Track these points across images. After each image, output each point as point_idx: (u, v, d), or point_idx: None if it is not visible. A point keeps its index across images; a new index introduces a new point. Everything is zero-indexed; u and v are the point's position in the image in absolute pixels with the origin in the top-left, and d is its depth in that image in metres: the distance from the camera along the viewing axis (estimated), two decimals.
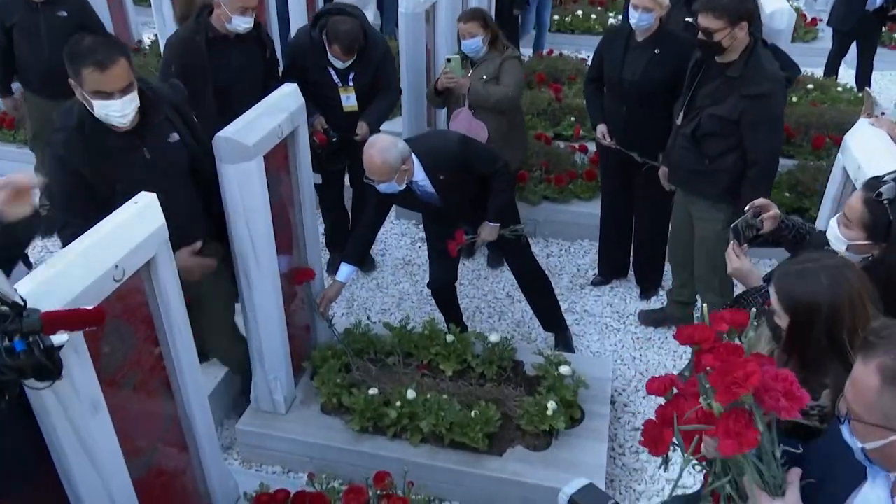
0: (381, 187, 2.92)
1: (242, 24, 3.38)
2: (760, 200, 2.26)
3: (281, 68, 3.81)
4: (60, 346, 1.55)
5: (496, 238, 3.25)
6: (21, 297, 1.50)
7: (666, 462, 1.53)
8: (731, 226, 2.24)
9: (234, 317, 3.06)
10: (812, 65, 6.07)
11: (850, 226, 1.95)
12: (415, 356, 3.30)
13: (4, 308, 1.46)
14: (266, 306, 2.82)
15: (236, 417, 3.22)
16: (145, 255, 2.00)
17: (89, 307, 1.67)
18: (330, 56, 3.58)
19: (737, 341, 1.42)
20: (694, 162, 3.08)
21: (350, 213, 4.25)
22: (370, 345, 3.33)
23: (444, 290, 3.61)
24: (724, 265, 3.21)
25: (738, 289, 3.90)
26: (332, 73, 3.66)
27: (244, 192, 2.57)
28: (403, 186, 2.96)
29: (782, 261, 2.14)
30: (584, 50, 7.05)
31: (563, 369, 3.06)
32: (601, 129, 3.72)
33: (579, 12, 8.03)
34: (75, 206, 2.40)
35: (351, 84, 3.70)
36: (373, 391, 2.99)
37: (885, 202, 1.84)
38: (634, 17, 3.38)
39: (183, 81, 3.36)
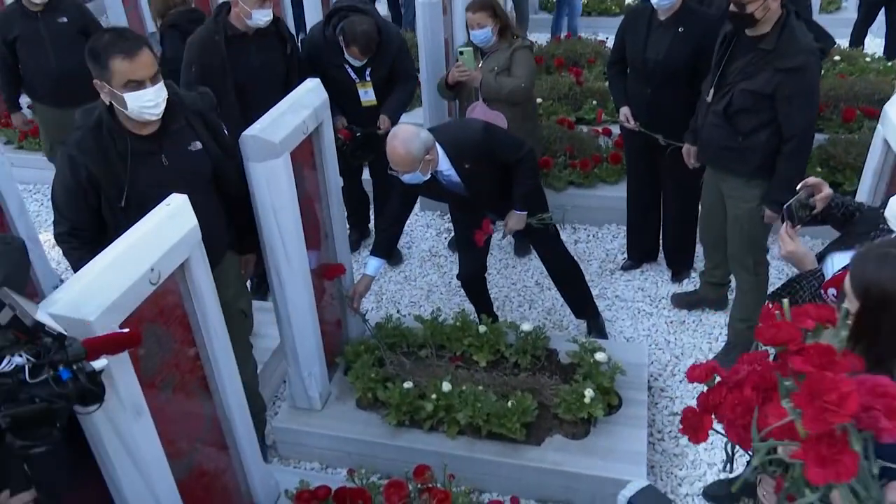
0: (406, 178, 2.88)
1: (263, 17, 3.37)
2: (812, 179, 2.17)
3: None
4: (101, 371, 1.58)
5: (523, 227, 3.19)
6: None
7: (731, 461, 1.49)
8: (784, 206, 2.15)
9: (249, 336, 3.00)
10: (837, 35, 5.90)
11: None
12: (447, 348, 3.29)
13: (48, 339, 1.49)
14: (298, 302, 2.81)
15: (272, 415, 3.23)
16: (180, 257, 1.99)
17: (125, 330, 1.70)
18: (346, 55, 3.57)
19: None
20: (726, 139, 3.00)
21: (371, 200, 4.29)
22: (402, 338, 3.32)
23: (473, 280, 3.56)
24: (758, 244, 3.18)
25: (775, 270, 3.87)
26: (349, 69, 3.67)
27: (272, 190, 2.56)
28: (428, 176, 2.92)
29: (837, 240, 2.11)
30: (601, 32, 6.96)
31: (599, 356, 3.02)
32: (625, 111, 3.67)
33: None
34: (72, 206, 2.39)
35: (368, 79, 3.70)
36: (408, 384, 2.98)
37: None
38: None
39: (204, 82, 3.38)
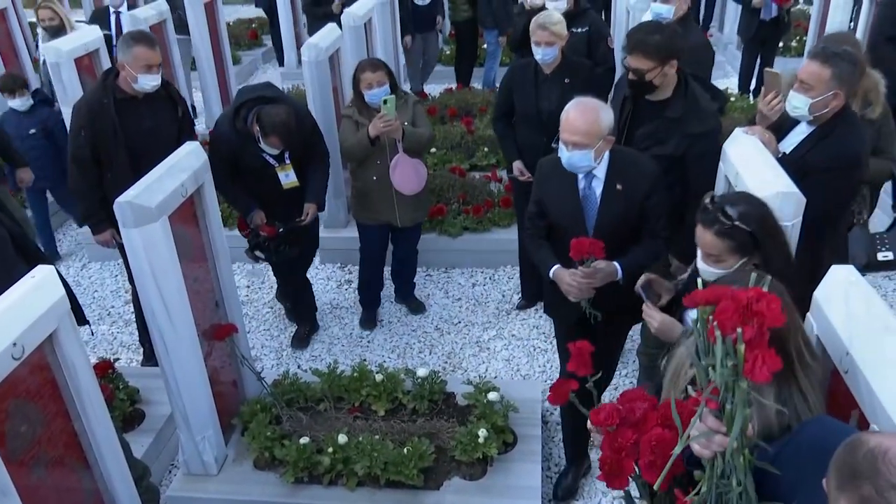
0: (573, 157, 2.47)
1: (149, 82, 3.37)
2: (649, 278, 2.31)
3: (199, 125, 3.81)
4: None
5: (592, 292, 2.59)
6: None
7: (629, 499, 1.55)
8: (638, 287, 2.27)
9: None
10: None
11: (720, 259, 1.99)
12: (346, 399, 3.30)
13: None
14: (186, 367, 2.78)
15: (169, 480, 3.13)
16: (46, 329, 1.96)
17: None
18: (263, 144, 3.48)
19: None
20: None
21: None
22: (300, 393, 3.30)
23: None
24: None
25: None
26: (267, 156, 3.58)
27: (151, 255, 2.54)
28: (597, 164, 2.52)
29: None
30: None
31: (492, 395, 3.10)
32: (518, 166, 3.75)
33: None
34: None
35: (287, 161, 3.63)
36: (304, 440, 2.97)
37: (737, 224, 1.94)
38: (539, 54, 3.52)
39: (95, 146, 3.38)
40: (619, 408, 1.50)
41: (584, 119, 2.45)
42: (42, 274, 2.02)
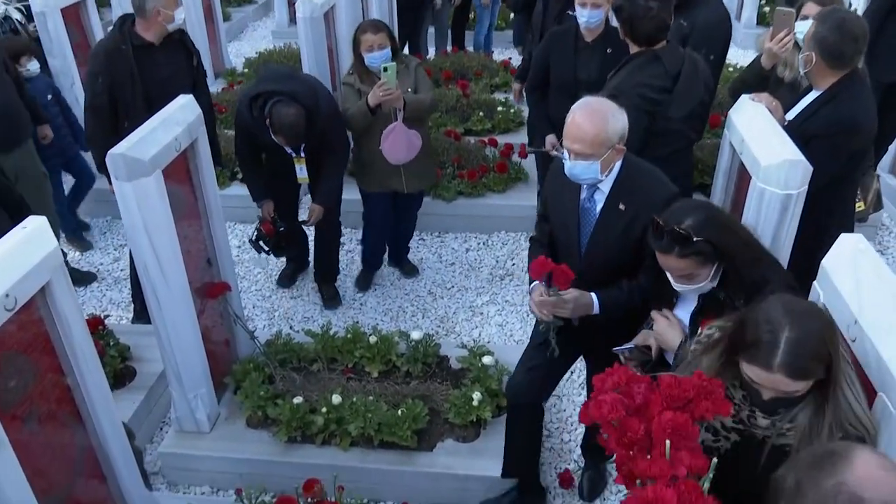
0: (576, 167, 2.14)
1: (181, 15, 3.40)
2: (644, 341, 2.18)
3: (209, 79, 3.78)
4: None
5: (568, 317, 2.32)
6: None
7: None
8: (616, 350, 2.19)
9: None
10: None
11: (693, 276, 1.92)
12: (339, 361, 3.29)
13: None
14: (179, 323, 2.74)
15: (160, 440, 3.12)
16: (39, 282, 1.91)
17: None
18: (273, 137, 3.41)
19: None
20: None
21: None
22: (293, 354, 3.29)
23: (523, 405, 2.65)
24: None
25: None
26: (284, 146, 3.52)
27: (144, 209, 2.49)
28: (604, 177, 2.19)
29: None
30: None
31: (486, 360, 3.10)
32: (551, 140, 3.56)
33: None
34: None
35: (303, 154, 3.58)
36: (298, 400, 2.96)
37: (695, 239, 1.85)
38: (584, 16, 3.28)
39: (112, 93, 3.37)
40: (620, 396, 1.42)
41: (590, 125, 2.09)
42: (34, 225, 1.96)
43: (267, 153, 3.68)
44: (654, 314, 2.11)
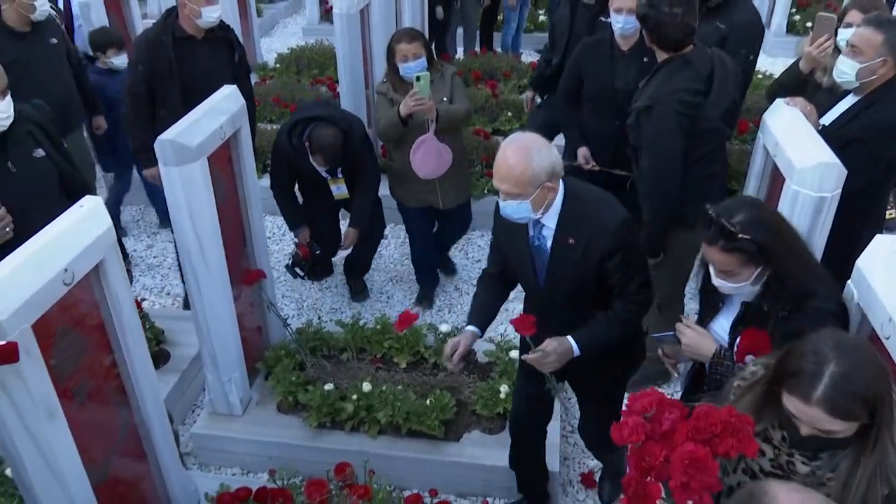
0: (507, 207, 2.07)
1: (212, 14, 3.43)
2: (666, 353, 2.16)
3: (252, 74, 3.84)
4: None
5: (550, 368, 2.21)
6: None
7: None
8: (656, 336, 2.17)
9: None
10: None
11: (734, 273, 1.88)
12: (368, 351, 3.35)
13: None
14: (217, 307, 2.82)
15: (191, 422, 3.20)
16: (94, 258, 1.99)
17: (2, 342, 1.65)
18: (312, 161, 3.53)
19: None
20: (635, 169, 3.05)
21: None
22: (323, 342, 3.36)
23: (522, 429, 2.66)
24: (661, 282, 3.08)
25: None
26: (320, 169, 3.63)
27: (189, 194, 2.57)
28: (538, 216, 2.10)
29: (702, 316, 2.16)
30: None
31: (513, 354, 3.15)
32: (584, 153, 3.53)
33: None
34: None
35: (340, 175, 3.70)
36: (328, 387, 3.02)
37: (741, 235, 1.82)
38: (619, 22, 3.20)
39: (150, 82, 3.45)
40: (644, 421, 1.38)
41: (515, 163, 1.98)
42: (91, 204, 2.04)
43: (303, 182, 3.78)
44: (679, 326, 2.04)
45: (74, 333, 2.02)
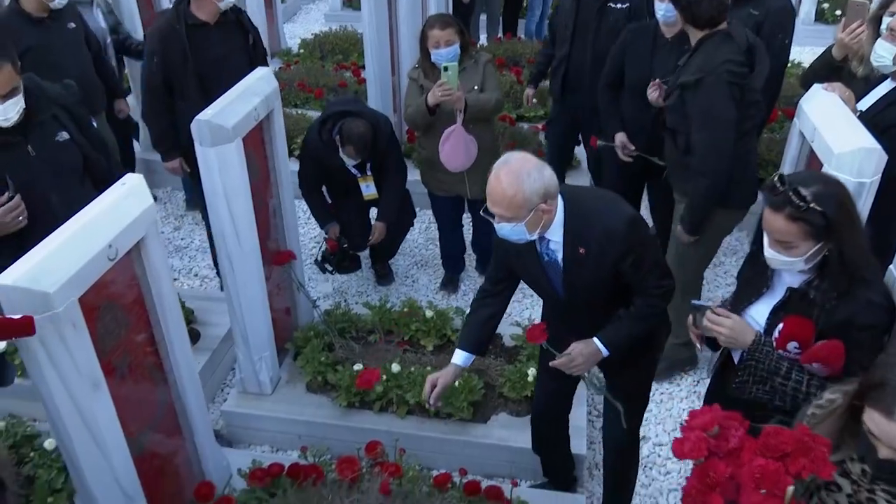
0: (503, 229, 2.03)
1: None
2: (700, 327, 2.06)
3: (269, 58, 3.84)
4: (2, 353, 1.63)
5: (579, 372, 2.27)
6: None
7: None
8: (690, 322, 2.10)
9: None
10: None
11: (792, 246, 1.80)
12: (395, 333, 3.38)
13: None
14: (249, 287, 2.85)
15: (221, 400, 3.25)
16: (137, 235, 2.02)
17: (16, 316, 1.69)
18: (343, 154, 3.56)
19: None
20: (672, 155, 3.04)
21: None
22: (351, 324, 3.39)
23: (546, 421, 2.70)
24: (686, 267, 3.14)
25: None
26: (350, 167, 3.68)
27: (224, 175, 2.60)
28: (535, 237, 2.08)
29: (740, 296, 2.05)
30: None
31: None
32: (622, 139, 3.48)
33: None
34: None
35: (369, 173, 3.74)
36: (358, 367, 3.05)
37: (812, 206, 1.75)
38: (661, 10, 3.14)
39: (165, 71, 3.43)
40: (706, 436, 1.33)
41: (507, 187, 1.94)
42: (133, 181, 2.07)
43: (333, 183, 3.81)
44: (715, 318, 1.94)
45: (117, 308, 2.06)
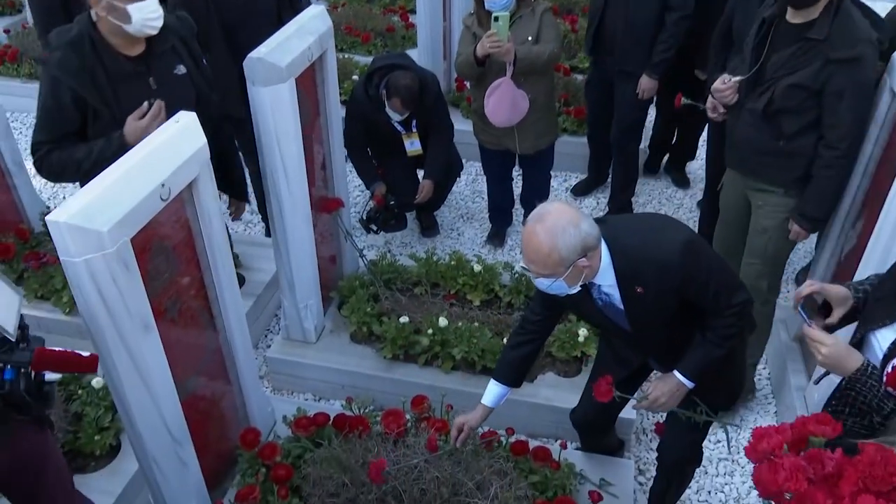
0: (542, 283, 1.91)
1: None
2: (817, 287, 1.84)
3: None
4: (52, 382, 1.72)
5: (667, 408, 2.15)
6: (15, 330, 1.63)
7: None
8: (797, 304, 1.82)
9: None
10: None
11: None
12: (441, 286, 3.31)
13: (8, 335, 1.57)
14: (297, 232, 2.79)
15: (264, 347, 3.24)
16: (189, 175, 1.96)
17: (85, 353, 1.69)
18: (388, 107, 3.49)
19: None
20: (765, 142, 2.62)
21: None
22: (397, 275, 3.33)
23: (587, 426, 2.66)
24: (779, 265, 2.89)
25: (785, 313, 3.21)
26: (395, 123, 3.63)
27: (276, 115, 2.51)
28: (577, 289, 1.94)
29: (870, 317, 1.73)
30: None
31: None
32: (724, 77, 2.91)
33: None
34: (55, 127, 2.30)
35: (414, 129, 3.69)
36: (404, 319, 3.00)
37: None
38: None
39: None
40: (804, 463, 1.14)
41: (542, 243, 1.80)
42: (186, 119, 2.00)
43: (377, 142, 3.73)
44: (817, 335, 1.67)
45: (168, 250, 2.01)
